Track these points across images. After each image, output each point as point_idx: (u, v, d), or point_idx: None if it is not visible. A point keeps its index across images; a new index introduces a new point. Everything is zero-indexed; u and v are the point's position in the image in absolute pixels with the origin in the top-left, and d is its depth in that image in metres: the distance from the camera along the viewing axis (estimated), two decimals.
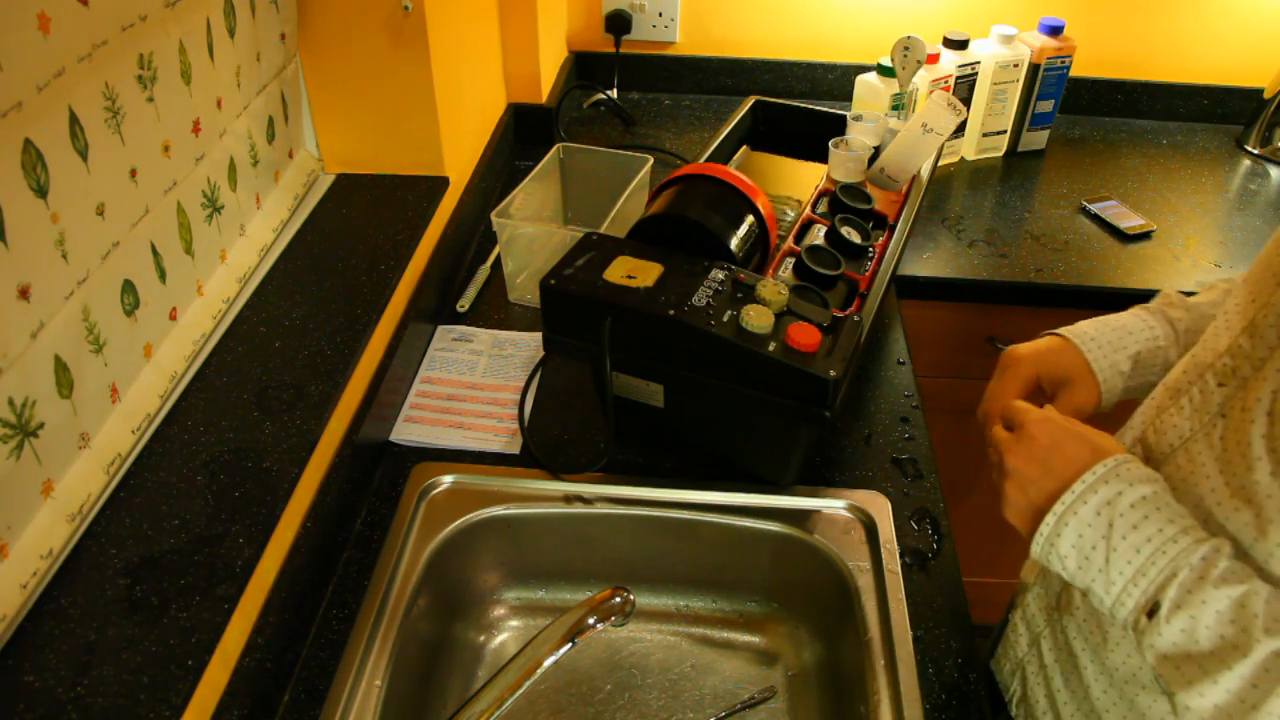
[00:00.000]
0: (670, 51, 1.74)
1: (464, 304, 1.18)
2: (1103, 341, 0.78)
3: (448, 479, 0.94)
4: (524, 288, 1.19)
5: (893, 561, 0.87)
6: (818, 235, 1.03)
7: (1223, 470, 0.56)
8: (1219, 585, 0.52)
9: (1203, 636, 0.52)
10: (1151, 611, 0.54)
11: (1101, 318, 0.81)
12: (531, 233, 1.17)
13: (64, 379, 0.67)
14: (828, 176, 1.14)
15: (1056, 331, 0.81)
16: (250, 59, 0.94)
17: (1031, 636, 0.77)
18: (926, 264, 1.32)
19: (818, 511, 0.93)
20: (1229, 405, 0.57)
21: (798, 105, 1.30)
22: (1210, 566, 0.53)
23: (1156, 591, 0.54)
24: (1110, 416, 0.78)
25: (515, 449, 0.98)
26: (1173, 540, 0.55)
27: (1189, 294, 0.83)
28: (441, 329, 1.14)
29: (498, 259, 1.24)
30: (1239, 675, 0.50)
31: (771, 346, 0.81)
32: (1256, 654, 0.49)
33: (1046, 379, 0.79)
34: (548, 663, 0.67)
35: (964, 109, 1.08)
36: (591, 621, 0.69)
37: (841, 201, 1.05)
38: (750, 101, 1.31)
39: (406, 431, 1.00)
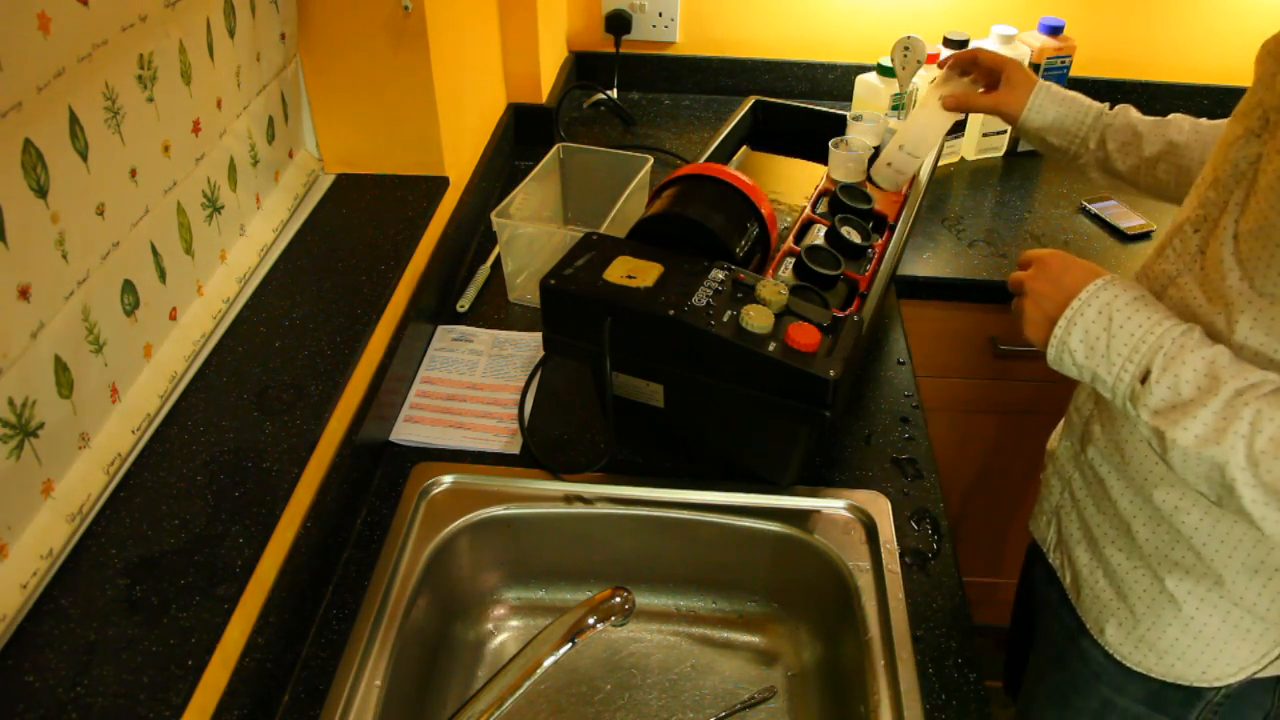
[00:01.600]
0: (670, 51, 1.74)
1: (464, 304, 1.18)
2: (1055, 92, 1.02)
3: (448, 479, 0.94)
4: (524, 288, 1.18)
5: (893, 561, 0.87)
6: (818, 235, 1.03)
7: (1203, 288, 0.70)
8: (1195, 350, 0.65)
9: (1184, 388, 0.65)
10: (1144, 379, 0.66)
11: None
12: (531, 233, 1.17)
13: (64, 379, 0.67)
14: (828, 176, 1.14)
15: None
16: (250, 59, 0.94)
17: (1063, 483, 0.88)
18: (926, 264, 1.32)
19: (818, 511, 0.93)
20: (1204, 243, 0.71)
21: (798, 105, 1.30)
22: (1187, 337, 0.66)
23: (1147, 361, 0.66)
24: None
25: (515, 449, 0.98)
26: (1158, 324, 0.67)
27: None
28: (441, 329, 1.14)
29: (498, 259, 1.24)
30: (1211, 410, 0.63)
31: (771, 346, 0.81)
32: (1223, 393, 0.62)
33: (991, 71, 1.06)
34: (548, 663, 0.67)
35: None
36: (591, 621, 0.69)
37: (841, 201, 1.05)
38: (750, 101, 1.31)
39: (406, 431, 1.00)
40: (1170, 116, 0.98)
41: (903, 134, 1.11)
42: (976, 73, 1.09)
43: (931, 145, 1.10)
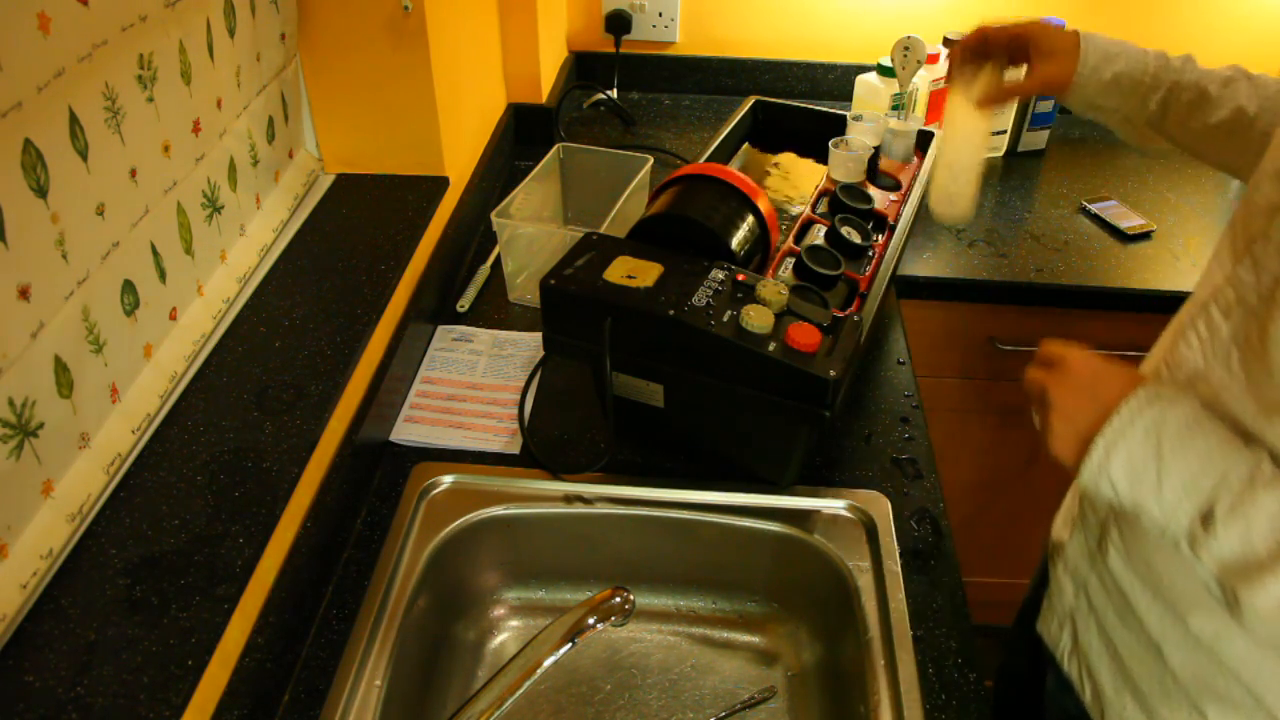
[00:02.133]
0: (670, 51, 1.74)
1: (464, 304, 1.18)
2: (1104, 45, 0.89)
3: (448, 479, 0.94)
4: (524, 288, 1.18)
5: (893, 561, 0.87)
6: (818, 235, 1.03)
7: (1250, 391, 0.59)
8: (1268, 489, 0.55)
9: (1258, 541, 0.54)
10: (1205, 521, 0.57)
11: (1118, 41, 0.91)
12: (531, 233, 1.17)
13: (64, 379, 0.67)
14: (828, 176, 1.14)
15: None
16: (250, 59, 0.94)
17: (1076, 585, 0.79)
18: (926, 264, 1.32)
19: (818, 511, 0.93)
20: (1239, 334, 0.61)
21: (798, 105, 1.30)
22: (1257, 472, 0.56)
23: (1209, 500, 0.56)
24: None
25: (515, 449, 0.98)
26: (1219, 452, 0.57)
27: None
28: (441, 329, 1.14)
29: (498, 259, 1.24)
30: None
31: (771, 346, 0.81)
32: None
33: (1012, 45, 0.91)
34: (548, 663, 0.67)
35: None
36: (591, 621, 0.69)
37: (841, 201, 1.05)
38: (750, 101, 1.31)
39: (406, 431, 1.00)
40: (1232, 72, 0.86)
41: (945, 157, 1.01)
42: (995, 54, 0.93)
43: (980, 157, 0.99)
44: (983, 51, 0.94)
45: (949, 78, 0.98)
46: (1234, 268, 0.62)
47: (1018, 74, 0.94)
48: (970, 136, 0.98)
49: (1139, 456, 0.59)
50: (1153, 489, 0.59)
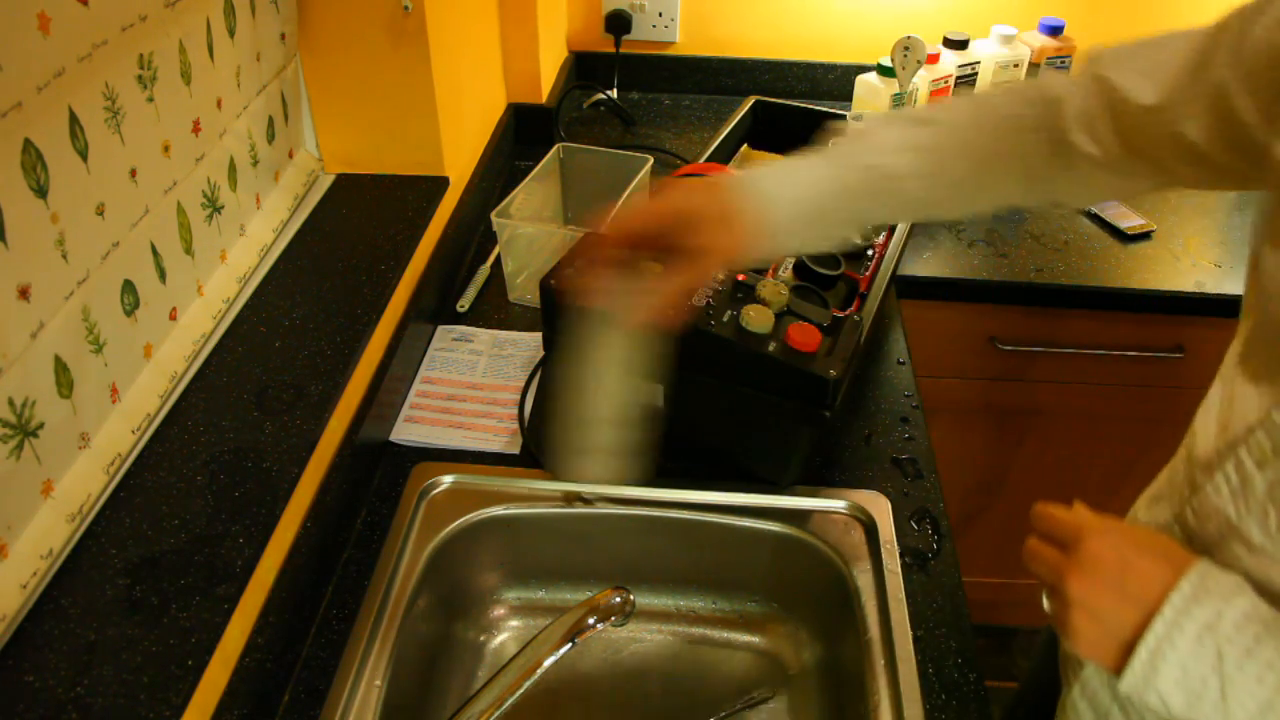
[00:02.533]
0: (670, 51, 1.74)
1: (464, 304, 1.18)
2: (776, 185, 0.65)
3: (448, 479, 0.94)
4: (524, 288, 1.18)
5: (893, 561, 0.87)
6: None
7: None
8: None
9: None
10: None
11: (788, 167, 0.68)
12: (531, 233, 1.17)
13: (64, 379, 0.67)
14: None
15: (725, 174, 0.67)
16: (250, 59, 0.94)
17: (1098, 715, 0.70)
18: (926, 264, 1.32)
19: (818, 511, 0.93)
20: (1278, 491, 0.52)
21: (798, 105, 1.30)
22: None
23: None
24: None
25: (515, 449, 0.98)
26: None
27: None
28: (441, 329, 1.14)
29: (498, 259, 1.24)
30: None
31: (771, 346, 0.81)
32: None
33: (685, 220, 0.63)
34: (548, 663, 0.67)
35: None
36: (591, 621, 0.69)
37: None
38: (750, 101, 1.31)
39: (406, 431, 1.00)
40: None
41: (576, 407, 0.69)
42: (642, 249, 0.66)
43: (626, 402, 0.69)
44: (630, 250, 0.66)
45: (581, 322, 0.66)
46: (1270, 411, 0.53)
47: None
48: (611, 378, 0.68)
49: (1194, 669, 0.49)
50: (1215, 707, 0.49)
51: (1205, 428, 0.60)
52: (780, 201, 0.65)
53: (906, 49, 1.22)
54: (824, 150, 0.68)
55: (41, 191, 0.63)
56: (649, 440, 0.71)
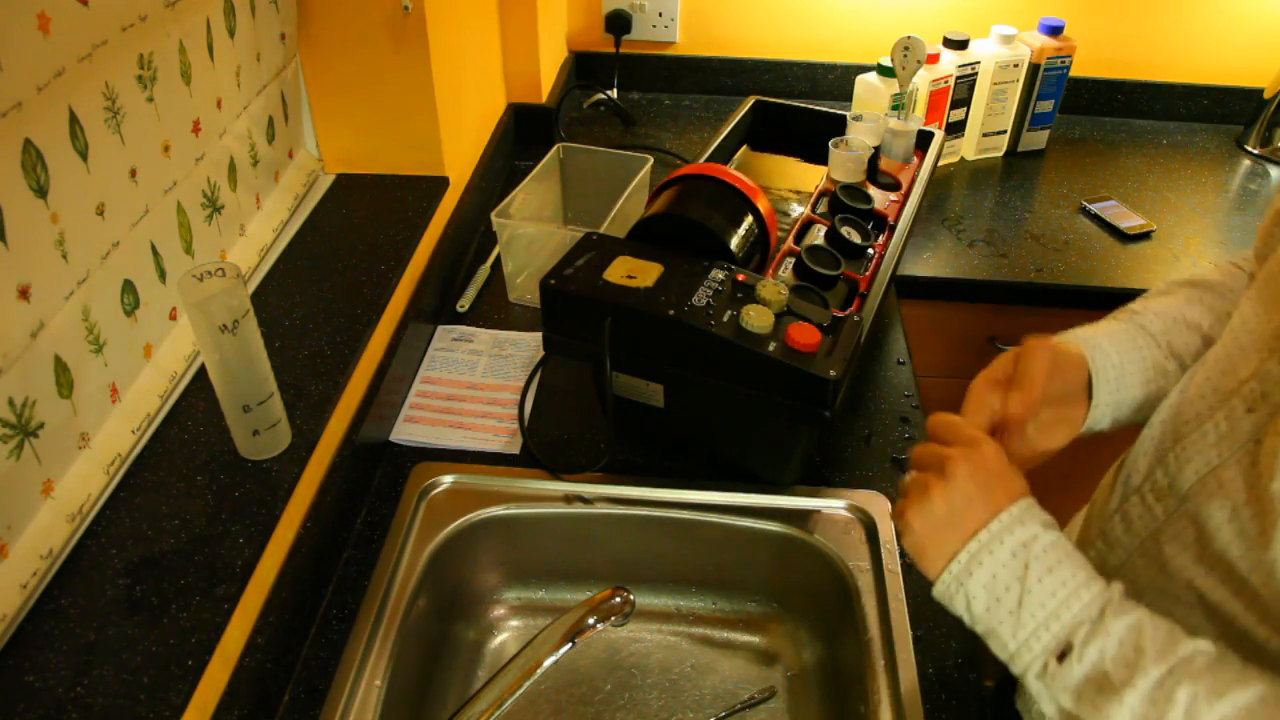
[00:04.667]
0: (670, 51, 1.74)
1: (464, 304, 1.18)
2: (1110, 371, 0.72)
3: (448, 479, 0.94)
4: (524, 288, 1.18)
5: (893, 561, 0.87)
6: (818, 235, 1.03)
7: (1253, 488, 0.55)
8: (1118, 616, 0.55)
9: (1109, 663, 0.54)
10: (1062, 654, 0.55)
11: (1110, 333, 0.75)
12: (531, 233, 1.17)
13: (64, 379, 0.67)
14: (828, 176, 1.14)
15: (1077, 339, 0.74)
16: (250, 59, 0.94)
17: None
18: (926, 264, 1.32)
19: (818, 511, 0.93)
20: (1263, 430, 0.56)
21: (798, 105, 1.30)
22: (1111, 604, 0.55)
23: (1069, 634, 0.55)
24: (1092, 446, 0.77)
25: (515, 449, 0.98)
26: (1085, 585, 0.56)
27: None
28: (441, 329, 1.14)
29: (498, 259, 1.24)
30: (1140, 693, 0.52)
31: (771, 346, 0.81)
32: (1152, 673, 0.52)
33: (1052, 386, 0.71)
34: (548, 663, 0.67)
35: None
36: (591, 621, 0.69)
37: (841, 201, 1.05)
38: (750, 101, 1.31)
39: (406, 431, 1.00)
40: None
41: None
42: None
43: None
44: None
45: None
46: (1264, 359, 0.58)
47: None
48: None
49: (1002, 576, 0.57)
50: (1010, 614, 0.57)
51: (1194, 389, 0.64)
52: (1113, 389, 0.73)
53: (906, 49, 1.22)
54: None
55: (41, 191, 0.63)
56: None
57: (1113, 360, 0.73)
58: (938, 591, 0.61)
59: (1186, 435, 0.62)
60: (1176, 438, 0.64)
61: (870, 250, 1.01)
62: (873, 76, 1.45)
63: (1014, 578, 0.57)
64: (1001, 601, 0.57)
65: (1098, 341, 0.73)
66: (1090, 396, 0.72)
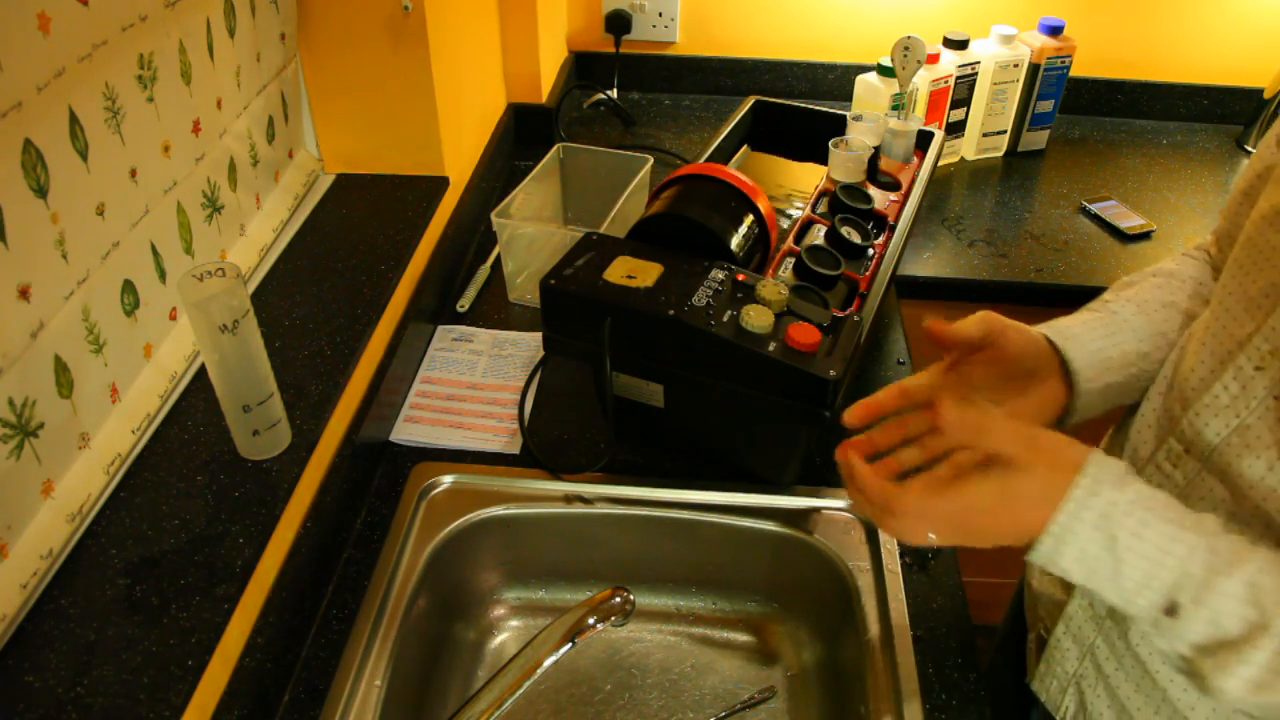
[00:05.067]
0: (670, 51, 1.74)
1: (464, 304, 1.18)
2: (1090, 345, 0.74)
3: (448, 479, 0.94)
4: (524, 288, 1.18)
5: (893, 561, 0.87)
6: (818, 235, 1.03)
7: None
8: (1230, 572, 0.54)
9: (1229, 624, 0.54)
10: (1170, 609, 0.55)
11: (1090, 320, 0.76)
12: (531, 233, 1.17)
13: (64, 379, 0.67)
14: (828, 176, 1.14)
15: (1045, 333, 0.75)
16: (250, 59, 0.94)
17: (1082, 650, 0.74)
18: (926, 264, 1.32)
19: (818, 511, 0.93)
20: (1278, 384, 0.58)
21: (798, 105, 1.30)
22: (1214, 555, 0.55)
23: (1172, 592, 0.55)
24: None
25: (515, 449, 0.98)
26: (1175, 538, 0.55)
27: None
28: (441, 329, 1.14)
29: (498, 259, 1.24)
30: (1267, 650, 0.53)
31: (771, 346, 0.81)
32: (1276, 629, 0.52)
33: (1001, 357, 0.73)
34: (548, 663, 0.67)
35: None
36: (591, 621, 0.69)
37: (841, 201, 1.05)
38: (750, 101, 1.31)
39: (406, 431, 1.00)
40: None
41: None
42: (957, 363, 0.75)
43: None
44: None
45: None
46: (1267, 317, 0.59)
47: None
48: None
49: (1090, 550, 0.56)
50: (1110, 579, 0.57)
51: (1190, 356, 0.66)
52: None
53: (906, 49, 1.22)
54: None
55: (41, 191, 0.63)
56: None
57: (1089, 347, 0.73)
58: (1037, 557, 0.59)
59: (1196, 400, 0.63)
60: (1185, 404, 0.65)
61: (870, 250, 1.01)
62: (873, 76, 1.45)
63: (1103, 549, 0.56)
64: (1097, 571, 0.57)
65: (1072, 331, 0.74)
66: (1067, 377, 0.73)
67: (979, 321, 0.72)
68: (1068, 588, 0.76)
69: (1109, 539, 0.56)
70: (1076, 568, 0.58)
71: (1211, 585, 0.54)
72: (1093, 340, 0.73)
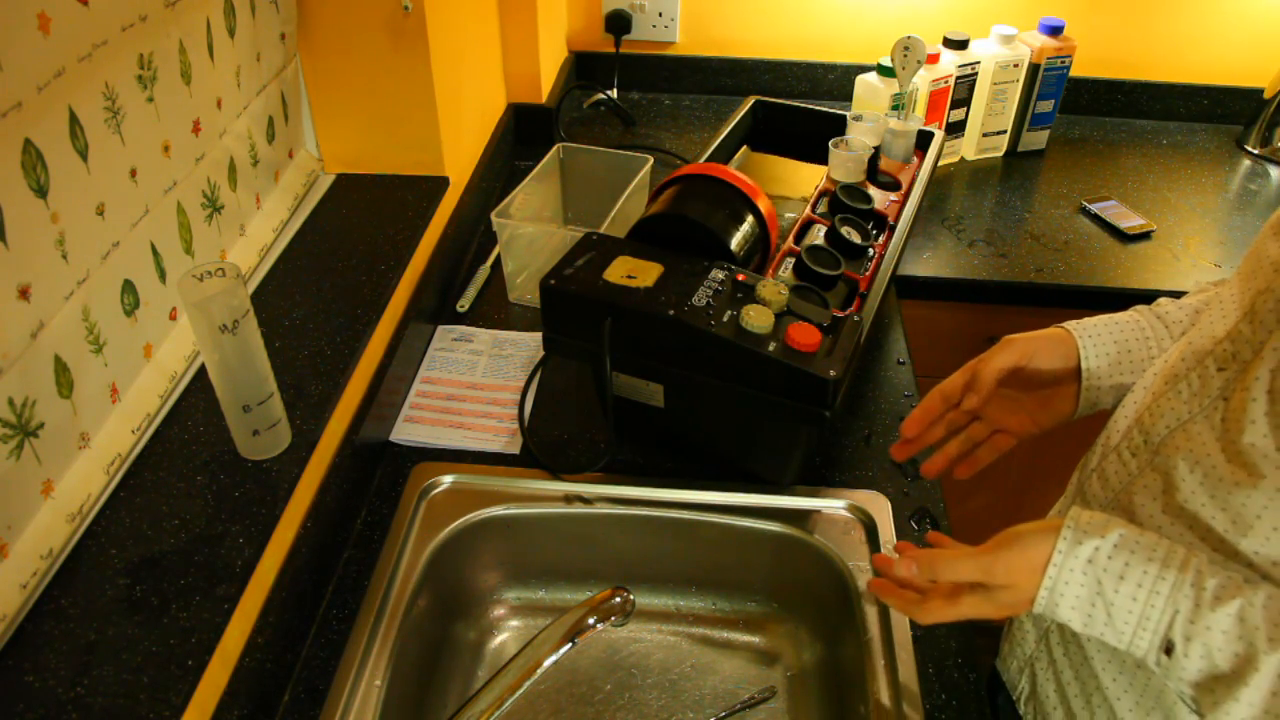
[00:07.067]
0: (670, 51, 1.74)
1: (464, 304, 1.18)
2: (1099, 340, 0.78)
3: (448, 479, 0.94)
4: (524, 288, 1.18)
5: None
6: (818, 235, 1.03)
7: (1221, 441, 0.59)
8: (1215, 607, 0.55)
9: (1220, 659, 0.55)
10: (1168, 649, 0.56)
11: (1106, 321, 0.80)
12: (531, 233, 1.17)
13: (64, 379, 0.67)
14: (828, 176, 1.14)
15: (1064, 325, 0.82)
16: (250, 59, 0.94)
17: (1039, 632, 0.78)
18: (926, 264, 1.32)
19: (818, 511, 0.93)
20: (1230, 388, 0.60)
21: (798, 105, 1.30)
22: (1201, 590, 0.56)
23: (1166, 631, 0.56)
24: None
25: (515, 449, 0.98)
26: (1160, 577, 0.57)
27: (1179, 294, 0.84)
28: (441, 329, 1.14)
29: (498, 259, 1.24)
30: (1257, 690, 0.53)
31: (771, 346, 0.81)
32: (1265, 666, 0.53)
33: (1030, 374, 0.81)
34: (548, 663, 0.67)
35: None
36: (591, 621, 0.69)
37: (841, 201, 1.05)
38: (750, 101, 1.31)
39: (406, 431, 1.00)
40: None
41: None
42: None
43: None
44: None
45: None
46: (1236, 321, 0.62)
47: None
48: None
49: (1083, 599, 0.59)
50: (1107, 624, 0.59)
51: (1176, 351, 0.69)
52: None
53: (906, 49, 1.22)
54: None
55: (41, 191, 0.63)
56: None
57: (1107, 344, 0.78)
58: (1040, 609, 0.62)
59: (1163, 394, 0.66)
60: (1154, 396, 0.67)
61: (870, 250, 1.01)
62: (873, 76, 1.45)
63: (1094, 595, 0.58)
64: (1094, 617, 0.59)
65: (1095, 329, 0.79)
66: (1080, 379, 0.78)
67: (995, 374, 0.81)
68: None
69: (1096, 584, 0.58)
70: (1075, 615, 0.60)
71: (1201, 620, 0.55)
72: (1113, 337, 0.78)
